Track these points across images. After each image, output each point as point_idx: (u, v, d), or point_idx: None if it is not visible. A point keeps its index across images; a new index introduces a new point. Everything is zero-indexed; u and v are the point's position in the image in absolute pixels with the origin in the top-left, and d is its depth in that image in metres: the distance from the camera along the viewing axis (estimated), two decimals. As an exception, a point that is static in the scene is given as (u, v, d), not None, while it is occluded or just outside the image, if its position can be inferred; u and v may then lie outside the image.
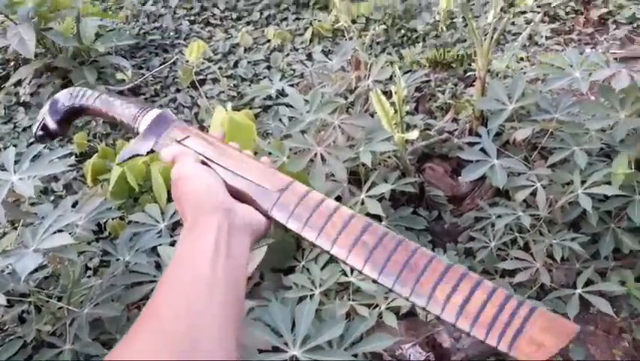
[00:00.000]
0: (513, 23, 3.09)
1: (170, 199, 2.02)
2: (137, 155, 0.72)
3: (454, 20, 2.92)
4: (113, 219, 1.95)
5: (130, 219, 1.81)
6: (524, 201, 1.83)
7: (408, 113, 2.49)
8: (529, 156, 1.98)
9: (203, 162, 0.66)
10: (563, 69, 1.91)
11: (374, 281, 0.54)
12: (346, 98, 2.26)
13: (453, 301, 0.49)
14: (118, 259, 1.55)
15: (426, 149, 2.23)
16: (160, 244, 1.57)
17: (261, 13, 3.38)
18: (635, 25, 3.19)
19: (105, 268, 1.77)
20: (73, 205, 1.77)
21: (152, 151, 0.71)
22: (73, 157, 2.36)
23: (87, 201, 1.57)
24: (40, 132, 0.80)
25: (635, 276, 1.75)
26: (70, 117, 0.81)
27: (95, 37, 2.83)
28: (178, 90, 2.81)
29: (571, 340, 0.46)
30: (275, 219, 0.61)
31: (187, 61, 2.28)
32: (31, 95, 2.71)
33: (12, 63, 2.98)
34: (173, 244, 1.67)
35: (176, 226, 1.82)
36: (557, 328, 0.46)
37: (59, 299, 1.48)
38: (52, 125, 0.79)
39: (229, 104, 1.86)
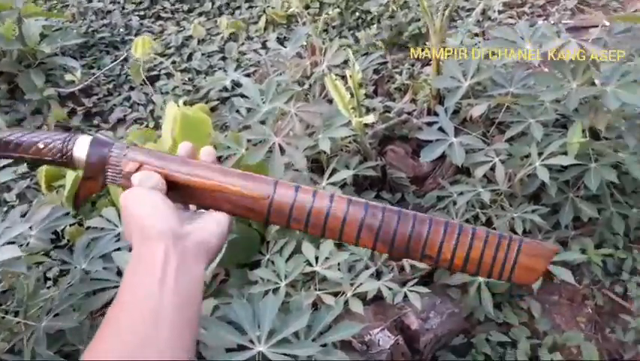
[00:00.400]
0: (466, -1, 3.09)
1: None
2: (93, 193, 0.66)
3: (407, 0, 2.91)
4: (70, 225, 1.89)
5: (88, 224, 1.76)
6: (484, 176, 1.84)
7: (367, 96, 2.48)
8: (486, 131, 2.00)
9: (171, 184, 0.61)
10: (514, 42, 1.91)
11: (389, 254, 0.60)
12: (303, 85, 2.24)
13: (458, 256, 0.57)
14: (75, 268, 1.50)
15: (386, 131, 2.22)
16: (119, 248, 1.53)
17: (213, 3, 3.30)
18: (584, -6, 3.23)
19: (65, 277, 1.71)
20: (24, 215, 1.70)
21: (104, 185, 0.65)
22: (25, 164, 2.27)
23: (39, 210, 1.51)
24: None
25: (595, 243, 1.79)
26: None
27: (40, 38, 2.72)
28: (132, 88, 2.73)
29: (552, 259, 0.58)
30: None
31: (136, 59, 2.21)
32: (-24, 102, 2.60)
33: (-47, 70, 2.85)
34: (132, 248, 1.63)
35: (136, 228, 1.77)
36: (541, 252, 0.57)
37: (16, 314, 1.43)
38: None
39: (182, 100, 1.81)
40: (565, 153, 1.72)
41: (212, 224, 0.60)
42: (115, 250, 1.50)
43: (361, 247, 0.60)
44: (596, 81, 1.86)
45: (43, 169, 2.08)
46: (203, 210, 0.63)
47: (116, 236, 1.62)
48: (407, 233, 0.58)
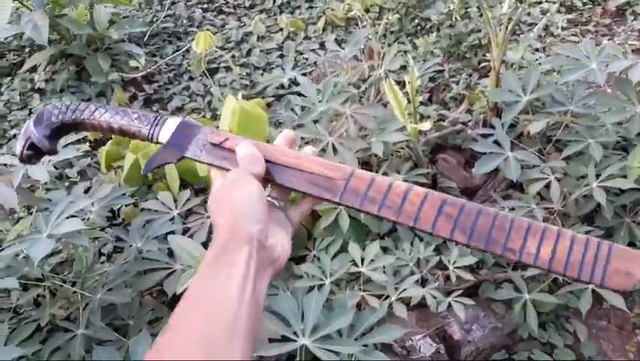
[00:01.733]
0: (528, 14, 3.04)
1: (184, 186, 2.03)
2: (167, 163, 0.70)
3: (469, 10, 2.88)
4: (126, 205, 1.96)
5: (143, 206, 1.82)
6: (538, 193, 1.81)
7: (421, 103, 2.47)
8: (543, 148, 1.96)
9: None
10: (578, 60, 1.88)
11: (466, 246, 0.57)
12: (359, 87, 2.25)
13: (543, 251, 0.55)
14: (131, 246, 1.57)
15: (439, 140, 2.21)
16: (172, 231, 1.58)
17: (274, 2, 3.36)
18: (653, 16, 3.13)
19: (118, 254, 1.78)
20: (87, 191, 1.78)
21: (182, 158, 0.69)
22: (87, 144, 2.37)
23: (100, 188, 1.58)
24: (27, 152, 0.73)
25: (649, 271, 1.73)
26: (60, 133, 0.75)
27: (109, 25, 2.83)
28: (191, 78, 2.81)
29: None
30: (347, 205, 0.62)
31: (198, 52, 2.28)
32: (46, 81, 2.73)
33: (27, 50, 3.00)
34: (185, 231, 1.68)
35: (188, 213, 1.83)
36: (637, 258, 0.54)
37: (73, 284, 1.50)
38: (41, 143, 0.72)
39: (240, 94, 1.86)
40: (624, 177, 1.68)
41: (286, 242, 0.60)
42: (169, 233, 1.55)
43: (435, 237, 0.58)
44: (662, 106, 1.81)
45: (104, 149, 2.17)
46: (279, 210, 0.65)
47: (171, 220, 1.68)
48: (489, 224, 0.56)
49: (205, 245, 1.44)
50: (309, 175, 0.63)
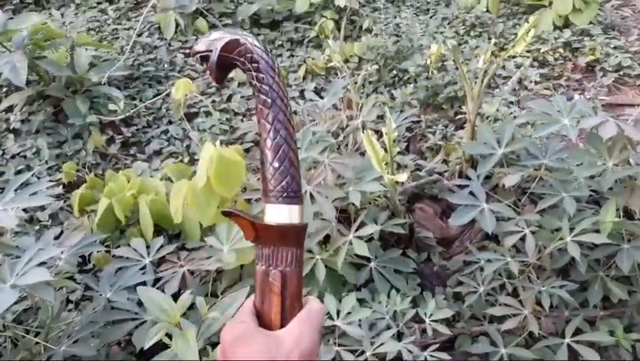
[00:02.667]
0: (503, 67, 3.14)
1: (158, 231, 2.00)
2: None
3: (445, 63, 2.97)
4: (97, 251, 1.92)
5: (115, 253, 1.78)
6: (513, 246, 1.82)
7: (399, 152, 2.50)
8: (518, 200, 1.99)
9: None
10: (551, 115, 1.93)
11: None
12: (337, 136, 2.28)
13: None
14: (100, 295, 1.52)
15: (416, 189, 2.23)
16: (144, 282, 1.54)
17: (256, 49, 3.41)
18: (621, 72, 3.26)
19: (87, 301, 1.72)
20: (57, 237, 1.74)
21: None
22: (60, 187, 2.33)
23: (70, 235, 1.54)
24: (202, 54, 0.62)
25: (624, 325, 1.74)
26: (231, 69, 0.64)
27: (89, 67, 2.84)
28: (170, 122, 2.81)
29: None
30: None
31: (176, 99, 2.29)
32: (22, 122, 2.69)
33: (4, 90, 2.97)
34: (157, 281, 1.64)
35: (161, 261, 1.79)
36: None
37: (37, 334, 1.44)
38: (215, 66, 0.61)
39: (219, 139, 1.86)
40: (597, 231, 1.70)
41: None
42: (140, 283, 1.51)
43: None
44: (632, 161, 1.86)
45: (78, 193, 2.13)
46: None
47: (142, 268, 1.64)
48: None
49: (175, 296, 1.40)
50: None
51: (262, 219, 0.60)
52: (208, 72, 0.62)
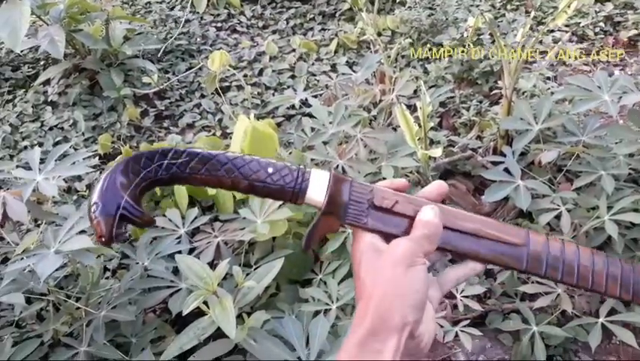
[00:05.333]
0: (541, 42, 3.05)
1: (192, 203, 2.03)
2: (329, 232, 0.62)
3: (481, 37, 2.90)
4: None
5: (150, 223, 1.82)
6: (548, 224, 1.80)
7: (432, 128, 2.47)
8: (554, 178, 1.95)
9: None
10: (591, 91, 1.87)
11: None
12: (370, 111, 2.26)
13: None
14: (137, 263, 1.56)
15: (449, 166, 2.21)
16: (179, 251, 1.58)
17: (287, 22, 3.39)
18: (666, 48, 3.14)
19: (124, 270, 1.78)
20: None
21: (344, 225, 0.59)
22: (97, 158, 2.38)
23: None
24: (121, 230, 0.52)
25: (660, 307, 1.70)
26: (147, 190, 0.55)
27: (123, 40, 2.87)
28: (203, 96, 2.83)
29: None
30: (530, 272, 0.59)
31: (212, 71, 2.30)
32: (59, 94, 2.75)
33: (42, 63, 3.03)
34: (191, 251, 1.68)
35: (196, 231, 1.82)
36: None
37: (77, 300, 1.49)
38: (134, 212, 0.52)
39: (252, 113, 1.86)
40: (636, 210, 1.66)
41: (432, 325, 0.55)
42: (176, 252, 1.54)
43: (607, 297, 0.62)
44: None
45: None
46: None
47: (178, 238, 1.68)
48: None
49: (211, 265, 1.43)
50: (491, 243, 0.58)
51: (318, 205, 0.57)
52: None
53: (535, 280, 1.70)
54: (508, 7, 3.47)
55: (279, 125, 2.52)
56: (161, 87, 2.79)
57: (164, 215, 1.80)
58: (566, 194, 1.79)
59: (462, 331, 1.47)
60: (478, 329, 1.50)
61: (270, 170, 0.57)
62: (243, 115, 1.82)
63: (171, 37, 3.21)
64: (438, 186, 0.61)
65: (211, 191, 1.88)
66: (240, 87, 2.80)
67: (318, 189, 0.57)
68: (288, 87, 2.83)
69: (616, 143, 1.86)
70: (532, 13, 2.41)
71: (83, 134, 2.53)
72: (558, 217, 1.75)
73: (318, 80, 2.83)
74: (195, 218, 1.81)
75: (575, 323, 1.57)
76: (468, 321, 1.53)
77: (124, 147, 2.29)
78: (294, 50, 3.13)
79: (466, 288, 1.58)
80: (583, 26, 3.30)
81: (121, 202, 0.51)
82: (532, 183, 1.81)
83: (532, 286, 1.67)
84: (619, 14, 3.36)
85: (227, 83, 2.85)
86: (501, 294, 1.73)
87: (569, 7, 1.94)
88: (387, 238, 0.57)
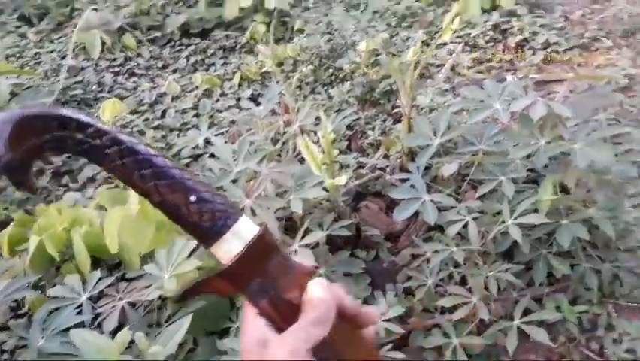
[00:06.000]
0: (436, 56, 3.17)
1: (96, 263, 1.91)
2: (219, 294, 0.51)
3: (378, 57, 2.97)
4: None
5: (49, 293, 1.68)
6: (458, 234, 1.83)
7: (341, 152, 2.49)
8: (459, 187, 2.00)
9: None
10: (483, 101, 1.95)
11: None
12: (277, 142, 2.24)
13: None
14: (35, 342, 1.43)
15: (360, 188, 2.22)
16: (82, 322, 1.46)
17: (187, 60, 3.33)
18: (549, 50, 3.35)
19: (23, 348, 1.63)
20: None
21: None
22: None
23: (-5, 282, 1.44)
24: None
25: (569, 300, 1.77)
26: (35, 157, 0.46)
27: (10, 97, 2.70)
28: (103, 145, 2.70)
29: None
30: None
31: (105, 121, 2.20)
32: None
33: None
34: (96, 318, 1.56)
35: (101, 295, 1.71)
36: None
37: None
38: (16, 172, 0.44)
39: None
40: (536, 210, 1.73)
41: None
42: (77, 323, 1.43)
43: None
44: (564, 137, 1.90)
45: (6, 232, 2.01)
46: None
47: (78, 307, 1.56)
48: None
49: (115, 332, 1.33)
50: None
51: (222, 264, 0.49)
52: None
53: (452, 293, 1.72)
54: (403, 24, 3.60)
55: (187, 166, 2.44)
56: (57, 142, 2.63)
57: (63, 283, 1.68)
58: (470, 203, 1.83)
59: (386, 357, 1.45)
60: (402, 349, 1.49)
61: (192, 198, 0.48)
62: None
63: (65, 88, 3.06)
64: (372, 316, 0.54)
65: (113, 249, 1.77)
66: (141, 132, 2.70)
67: (232, 244, 0.48)
68: (193, 126, 2.76)
69: (512, 147, 1.94)
70: (421, 31, 2.49)
71: (-28, 203, 2.33)
72: (466, 226, 1.78)
73: (223, 117, 2.78)
74: (100, 280, 1.70)
75: (494, 329, 1.60)
76: (391, 345, 1.51)
77: (16, 213, 2.13)
78: (196, 88, 3.07)
79: (387, 311, 1.57)
80: (474, 36, 3.48)
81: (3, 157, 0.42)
82: (437, 197, 1.84)
83: (450, 298, 1.69)
84: (505, 22, 3.57)
85: (128, 129, 2.74)
86: (421, 310, 1.73)
87: (452, 22, 2.02)
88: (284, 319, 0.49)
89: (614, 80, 2.73)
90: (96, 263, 1.90)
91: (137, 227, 1.75)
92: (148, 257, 1.81)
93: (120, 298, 1.60)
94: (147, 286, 1.60)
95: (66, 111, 0.47)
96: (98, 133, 0.47)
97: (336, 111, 2.74)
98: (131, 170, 0.47)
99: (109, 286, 1.66)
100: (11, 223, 2.03)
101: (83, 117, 0.47)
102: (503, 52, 3.42)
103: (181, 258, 1.62)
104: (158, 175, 0.48)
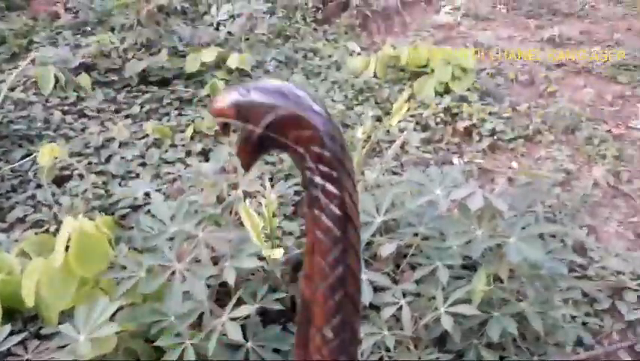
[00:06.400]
0: (388, 132, 3.26)
1: (10, 314, 1.78)
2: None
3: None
4: None
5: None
6: (393, 315, 1.82)
7: (286, 217, 2.47)
8: (397, 267, 2.01)
9: None
10: (424, 186, 1.99)
11: None
12: (222, 201, 2.20)
13: None
14: None
15: (301, 256, 2.19)
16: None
17: (142, 107, 3.29)
18: (495, 137, 3.51)
19: None
20: None
21: None
22: None
23: None
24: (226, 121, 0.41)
25: (497, 393, 1.77)
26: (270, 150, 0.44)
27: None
28: (39, 186, 2.58)
29: None
30: None
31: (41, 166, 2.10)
32: None
33: None
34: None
35: (8, 353, 1.58)
36: None
37: None
38: (253, 147, 0.42)
39: (81, 213, 1.71)
40: (469, 300, 1.74)
41: None
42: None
43: None
44: (501, 228, 1.95)
45: None
46: None
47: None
48: None
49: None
50: None
51: None
52: (236, 150, 0.41)
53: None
54: (360, 98, 3.71)
55: (123, 217, 2.35)
56: (-11, 178, 2.51)
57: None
58: (406, 286, 1.84)
59: None
60: None
61: None
62: (69, 217, 1.66)
63: (8, 121, 2.95)
64: None
65: (30, 302, 1.66)
66: (82, 176, 2.60)
67: None
68: (137, 175, 2.69)
69: (450, 234, 1.97)
70: (371, 113, 2.57)
71: None
72: (400, 309, 1.77)
73: (169, 171, 2.72)
74: (9, 335, 1.58)
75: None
76: None
77: None
78: (147, 136, 3.02)
79: None
80: (425, 117, 3.61)
81: None
82: (374, 276, 1.84)
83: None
84: (456, 106, 3.73)
85: (68, 172, 2.64)
86: None
87: (401, 108, 2.09)
88: None
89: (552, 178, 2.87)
90: (12, 315, 1.78)
91: (58, 281, 1.65)
92: (68, 314, 1.70)
93: (28, 360, 1.48)
94: (62, 347, 1.49)
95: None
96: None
97: (286, 175, 2.74)
98: (330, 242, 0.45)
99: (17, 344, 1.54)
100: None
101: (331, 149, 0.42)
102: (452, 135, 3.56)
103: (102, 319, 1.53)
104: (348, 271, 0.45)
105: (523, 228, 1.83)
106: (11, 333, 1.63)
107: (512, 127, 3.61)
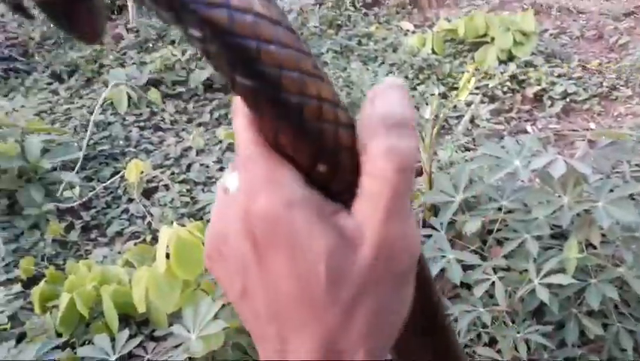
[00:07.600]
0: (455, 107, 3.21)
1: (126, 320, 1.93)
2: None
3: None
4: (62, 351, 1.83)
5: (79, 354, 1.70)
6: (486, 291, 1.82)
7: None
8: (483, 244, 2.00)
9: None
10: (501, 159, 1.96)
11: None
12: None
13: None
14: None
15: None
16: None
17: (212, 114, 3.42)
18: (567, 99, 3.38)
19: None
20: (19, 340, 1.66)
21: None
22: (19, 284, 2.24)
23: (27, 346, 1.47)
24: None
25: (603, 361, 1.73)
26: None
27: (42, 153, 2.79)
28: (130, 200, 2.76)
29: None
30: None
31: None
32: (-25, 217, 2.61)
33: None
34: None
35: (130, 355, 1.72)
36: None
37: None
38: None
39: (174, 221, 1.82)
40: (563, 269, 1.71)
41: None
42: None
43: None
44: (586, 195, 1.90)
45: (37, 289, 2.04)
46: None
47: (109, 369, 1.57)
48: None
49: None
50: None
51: None
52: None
53: (481, 355, 1.69)
54: (420, 76, 3.68)
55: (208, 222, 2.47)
56: (86, 198, 2.71)
57: (92, 343, 1.70)
58: (496, 261, 1.83)
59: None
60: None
61: None
62: (165, 225, 1.78)
63: (93, 143, 3.16)
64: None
65: (142, 308, 1.79)
66: (167, 186, 2.75)
67: None
68: (217, 180, 2.81)
69: (535, 206, 1.94)
70: (437, 91, 2.54)
71: (3, 259, 2.39)
72: (493, 285, 1.77)
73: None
74: (129, 339, 1.71)
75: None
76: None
77: (48, 269, 2.17)
78: (220, 142, 3.14)
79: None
80: (492, 87, 3.52)
81: None
82: (462, 255, 1.84)
83: (479, 361, 1.67)
84: (522, 72, 3.62)
85: (154, 184, 2.81)
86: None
87: (469, 82, 2.07)
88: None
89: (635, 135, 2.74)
90: (126, 320, 1.93)
91: (164, 286, 1.78)
92: (175, 315, 1.82)
93: (148, 360, 1.61)
94: (176, 346, 1.61)
95: None
96: None
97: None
98: None
99: (137, 346, 1.67)
100: (43, 280, 2.07)
101: None
102: (522, 102, 3.46)
103: (209, 318, 1.63)
104: None
105: (611, 190, 1.77)
106: (129, 337, 1.77)
107: (585, 87, 3.46)
